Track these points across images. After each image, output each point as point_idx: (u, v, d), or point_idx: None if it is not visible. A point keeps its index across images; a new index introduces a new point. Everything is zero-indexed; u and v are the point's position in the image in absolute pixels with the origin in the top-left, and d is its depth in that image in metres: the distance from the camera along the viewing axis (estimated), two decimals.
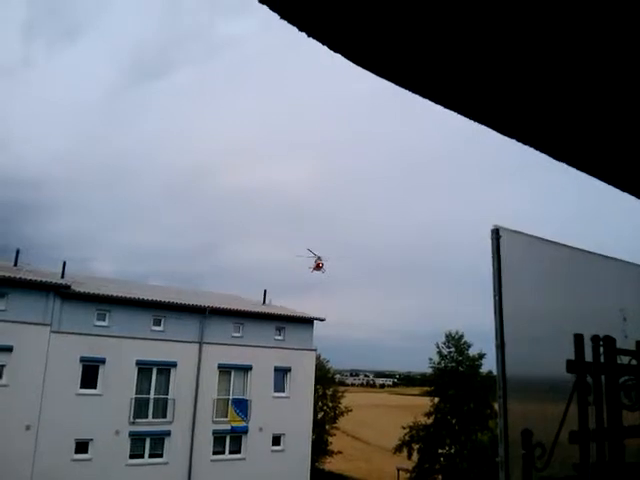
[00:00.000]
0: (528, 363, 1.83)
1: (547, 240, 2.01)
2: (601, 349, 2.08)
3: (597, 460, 1.97)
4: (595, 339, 2.07)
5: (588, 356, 2.05)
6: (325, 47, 1.31)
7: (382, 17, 1.17)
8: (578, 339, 1.99)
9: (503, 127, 1.69)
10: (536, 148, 1.81)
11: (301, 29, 1.23)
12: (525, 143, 1.81)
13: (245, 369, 30.94)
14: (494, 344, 1.72)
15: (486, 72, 1.39)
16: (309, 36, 1.25)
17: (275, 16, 1.20)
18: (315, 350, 34.95)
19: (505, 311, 1.73)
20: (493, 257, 1.77)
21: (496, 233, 1.80)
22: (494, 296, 1.75)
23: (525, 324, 1.85)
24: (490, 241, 1.78)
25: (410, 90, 1.45)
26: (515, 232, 1.86)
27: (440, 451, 38.89)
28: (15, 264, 28.12)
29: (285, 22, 1.23)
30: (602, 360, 2.09)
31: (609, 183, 1.99)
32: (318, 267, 38.10)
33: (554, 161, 1.87)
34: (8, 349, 24.05)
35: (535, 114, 1.62)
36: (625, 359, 2.20)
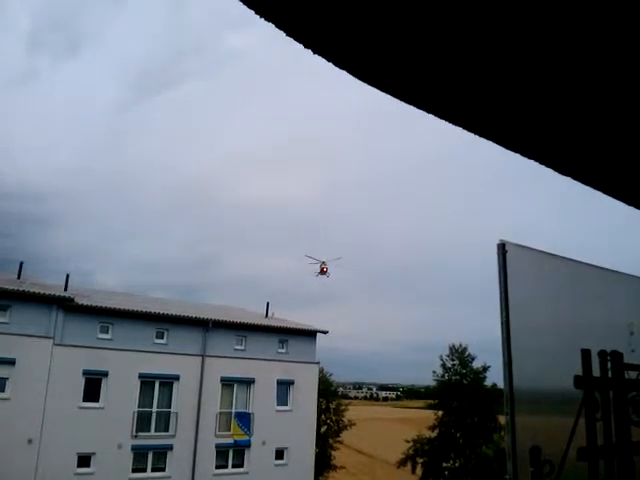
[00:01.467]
0: (535, 379, 1.81)
1: (553, 254, 2.00)
2: (609, 364, 2.06)
3: (606, 477, 1.95)
4: (602, 354, 2.05)
5: (596, 371, 2.03)
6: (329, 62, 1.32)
7: (386, 35, 1.18)
8: (585, 354, 1.97)
9: (507, 142, 1.69)
10: (541, 162, 1.81)
11: (307, 46, 1.25)
12: (530, 157, 1.81)
13: (248, 382, 30.81)
14: (501, 359, 1.71)
15: (489, 88, 1.40)
16: (315, 53, 1.26)
17: (280, 31, 1.21)
18: (318, 363, 34.82)
19: (512, 326, 1.72)
20: (500, 272, 1.77)
21: (502, 248, 1.79)
22: (501, 312, 1.74)
23: (532, 339, 1.83)
24: (496, 256, 1.78)
25: (415, 106, 1.46)
26: (521, 247, 1.85)
27: (444, 465, 38.57)
28: (18, 277, 28.11)
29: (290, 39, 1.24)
30: (610, 375, 2.07)
31: (614, 197, 1.99)
32: (323, 271, 38.46)
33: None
34: (11, 362, 24.01)
35: (537, 128, 1.62)
36: (633, 374, 2.18)
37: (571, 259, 2.05)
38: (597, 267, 2.17)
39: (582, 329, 2.05)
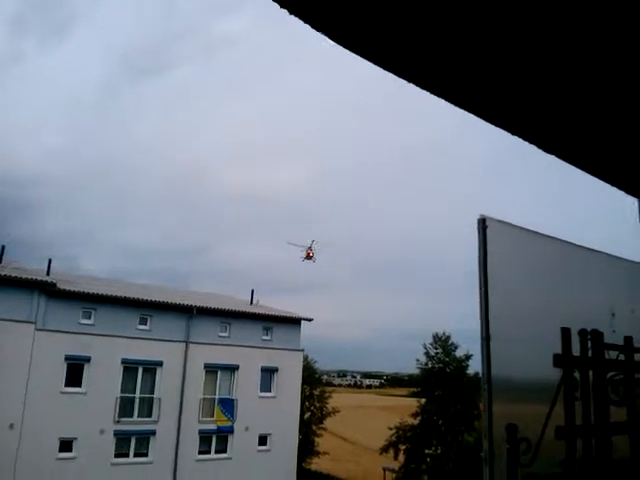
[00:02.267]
0: (514, 358, 1.78)
1: (536, 232, 1.97)
2: (589, 343, 2.05)
3: (583, 456, 1.94)
4: (583, 333, 2.03)
5: (576, 352, 2.01)
6: (323, 44, 1.30)
7: (385, 8, 1.15)
8: (565, 333, 1.95)
9: (493, 117, 1.66)
10: (524, 139, 1.79)
11: (306, 21, 1.22)
12: (514, 133, 1.78)
13: (232, 369, 30.82)
14: (480, 337, 1.68)
15: (479, 61, 1.38)
16: (314, 28, 1.23)
17: (272, 13, 1.19)
18: (302, 350, 34.90)
19: (491, 304, 1.69)
20: (479, 248, 1.73)
21: (482, 223, 1.76)
22: (480, 288, 1.71)
23: (512, 318, 1.80)
24: (476, 232, 1.75)
25: (408, 80, 1.44)
26: (503, 223, 1.82)
27: (426, 451, 38.97)
28: None
29: (282, 19, 1.22)
30: (590, 355, 2.06)
31: (597, 177, 1.97)
32: (309, 256, 38.72)
33: (544, 159, 1.85)
34: None
35: (526, 105, 1.59)
36: (613, 355, 2.17)
37: (555, 237, 2.03)
38: (580, 247, 2.15)
39: (564, 309, 2.02)
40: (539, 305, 1.95)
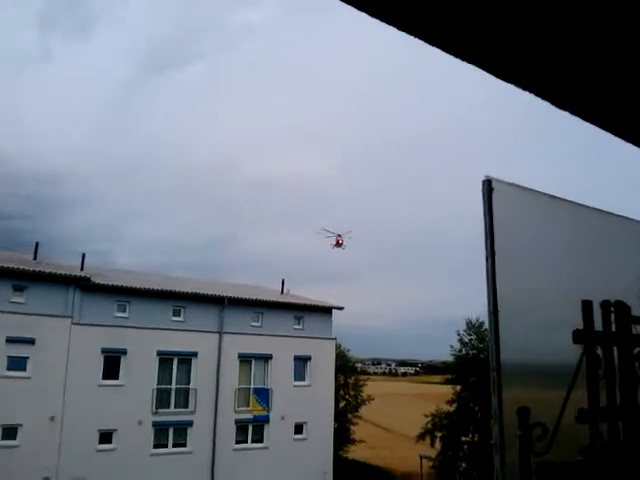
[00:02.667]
0: (527, 334, 1.62)
1: (549, 195, 1.79)
2: (612, 317, 1.86)
3: (608, 442, 1.76)
4: (605, 305, 1.84)
5: (598, 326, 1.83)
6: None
7: None
8: (586, 306, 1.76)
9: (502, 71, 1.51)
10: (537, 94, 1.63)
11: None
12: (525, 89, 1.62)
13: (265, 358, 30.98)
14: (487, 311, 1.53)
15: (485, 12, 1.25)
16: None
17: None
18: (334, 339, 34.86)
19: (500, 275, 1.53)
20: (485, 214, 1.57)
21: (488, 185, 1.59)
22: (486, 257, 1.55)
23: (524, 290, 1.64)
24: (481, 195, 1.58)
25: (412, 34, 1.32)
26: (511, 185, 1.65)
27: (463, 439, 38.60)
28: (35, 257, 28.38)
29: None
30: (614, 329, 1.87)
31: (612, 132, 1.78)
32: (338, 244, 38.60)
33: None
34: (30, 341, 24.33)
35: (535, 56, 1.45)
36: None
37: (571, 201, 1.84)
38: (601, 211, 1.95)
39: (582, 279, 1.83)
40: (554, 276, 1.77)
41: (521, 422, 1.50)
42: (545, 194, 1.75)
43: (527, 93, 1.57)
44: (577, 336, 1.72)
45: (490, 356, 1.54)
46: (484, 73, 1.47)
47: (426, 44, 1.38)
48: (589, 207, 1.88)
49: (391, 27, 1.33)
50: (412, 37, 1.37)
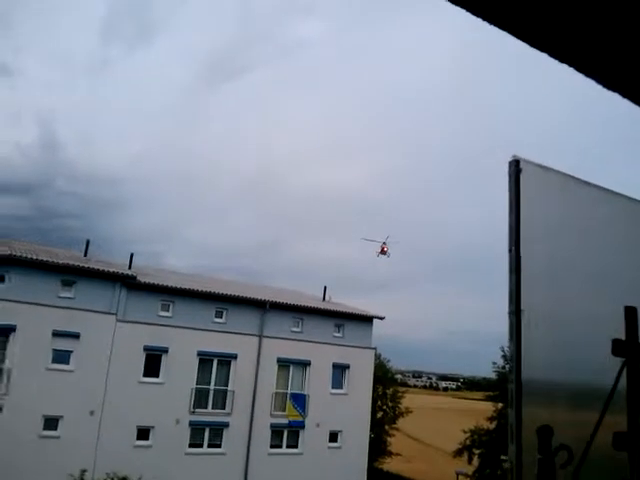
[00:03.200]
0: (554, 340, 1.39)
1: (586, 182, 1.55)
2: None
3: None
4: None
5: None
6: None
7: None
8: (630, 313, 1.52)
9: (504, 22, 1.34)
10: (538, 48, 1.43)
11: None
12: (525, 41, 1.44)
13: (304, 364, 30.83)
14: (508, 311, 1.31)
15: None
16: None
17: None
18: (374, 349, 34.45)
19: (525, 269, 1.31)
20: (510, 197, 1.36)
21: (515, 166, 1.38)
22: (510, 248, 1.34)
23: (553, 289, 1.41)
24: (507, 176, 1.37)
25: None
26: (541, 167, 1.43)
27: (502, 457, 37.51)
28: (85, 254, 29.08)
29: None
30: None
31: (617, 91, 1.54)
32: (383, 251, 38.54)
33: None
34: (75, 336, 24.89)
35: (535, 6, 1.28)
36: None
37: (613, 191, 1.59)
38: None
39: (624, 281, 1.58)
40: (590, 273, 1.53)
41: (542, 444, 1.27)
42: (583, 181, 1.53)
43: None
44: (617, 347, 1.48)
45: (510, 365, 1.33)
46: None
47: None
48: (632, 198, 1.64)
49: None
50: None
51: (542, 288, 1.37)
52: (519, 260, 1.29)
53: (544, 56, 1.39)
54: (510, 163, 1.37)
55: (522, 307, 1.27)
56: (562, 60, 1.38)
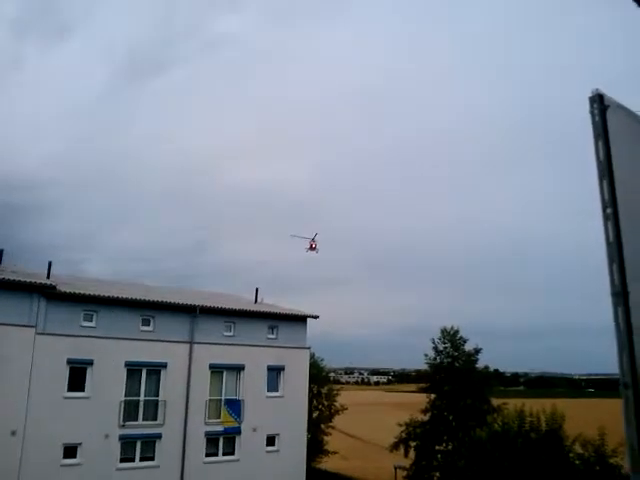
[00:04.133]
0: None
1: None
2: None
3: None
4: None
5: None
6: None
7: None
8: None
9: None
10: None
11: None
12: None
13: (237, 369, 30.23)
14: (610, 293, 1.05)
15: None
16: None
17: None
18: (309, 348, 34.27)
19: (626, 233, 1.05)
20: (597, 140, 1.10)
21: (599, 102, 1.12)
22: (603, 207, 1.07)
23: None
24: (589, 115, 1.12)
25: None
26: (626, 110, 1.18)
27: (437, 448, 38.27)
28: None
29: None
30: None
31: None
32: (312, 248, 38.44)
33: None
34: None
35: None
36: None
37: None
38: None
39: None
40: None
41: None
42: None
43: None
44: None
45: (619, 362, 1.05)
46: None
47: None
48: None
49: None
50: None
51: None
52: (618, 224, 1.02)
53: None
54: (591, 100, 1.11)
55: (628, 288, 1.01)
56: None
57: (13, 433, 23.20)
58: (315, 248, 38.56)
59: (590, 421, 29.76)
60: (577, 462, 25.19)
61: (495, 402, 38.30)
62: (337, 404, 46.19)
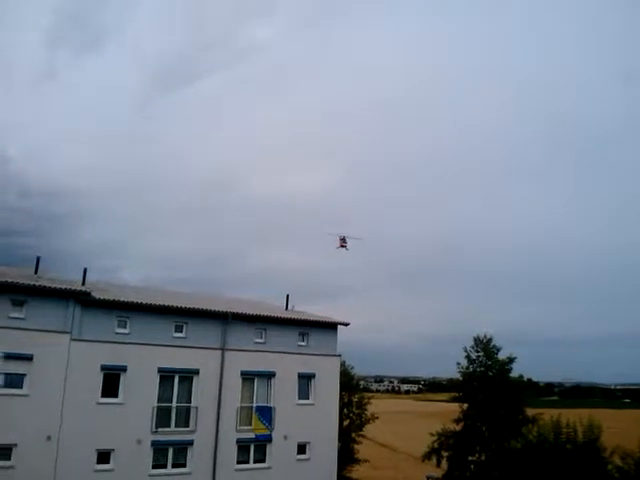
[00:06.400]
0: None
1: None
2: None
3: None
4: None
5: None
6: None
7: None
8: None
9: None
10: None
11: None
12: None
13: (268, 376, 30.23)
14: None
15: None
16: None
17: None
18: (340, 356, 34.11)
19: None
20: None
21: None
22: None
23: None
24: None
25: None
26: None
27: (470, 458, 37.69)
28: (36, 272, 27.80)
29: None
30: None
31: None
32: (342, 244, 38.34)
33: None
34: (28, 358, 23.60)
35: None
36: None
37: None
38: None
39: None
40: None
41: None
42: None
43: None
44: None
45: None
46: None
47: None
48: None
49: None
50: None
51: None
52: None
53: None
54: None
55: None
56: None
57: (48, 438, 23.52)
58: (345, 245, 38.48)
59: (629, 432, 29.00)
60: (616, 475, 24.53)
61: (530, 412, 37.60)
62: (368, 413, 45.89)
